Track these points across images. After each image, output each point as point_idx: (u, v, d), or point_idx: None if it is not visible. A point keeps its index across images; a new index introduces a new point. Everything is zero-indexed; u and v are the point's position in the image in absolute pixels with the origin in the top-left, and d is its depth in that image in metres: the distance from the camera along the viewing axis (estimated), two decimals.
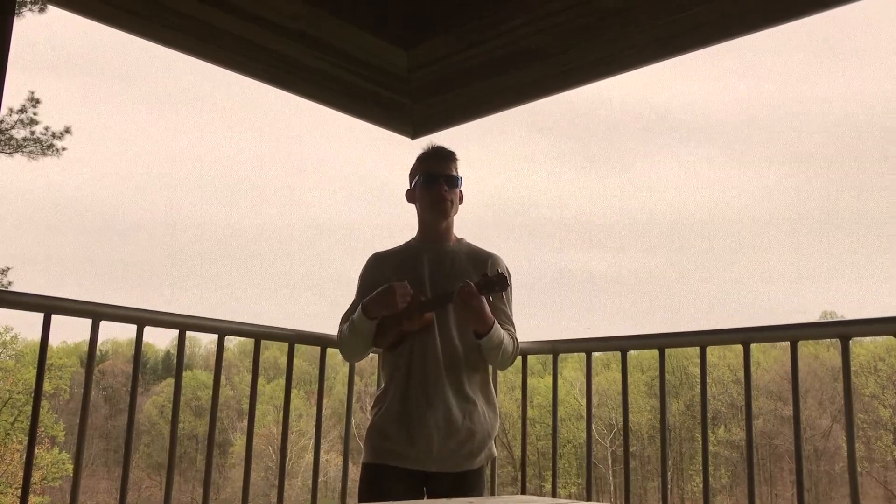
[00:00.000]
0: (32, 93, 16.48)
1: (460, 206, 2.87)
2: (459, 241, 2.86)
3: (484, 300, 2.55)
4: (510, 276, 2.73)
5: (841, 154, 59.10)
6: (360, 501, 2.65)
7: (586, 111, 69.36)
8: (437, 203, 2.77)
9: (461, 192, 2.85)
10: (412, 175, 2.87)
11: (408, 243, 2.88)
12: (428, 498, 2.63)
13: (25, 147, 16.54)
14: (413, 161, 2.89)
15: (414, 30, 3.11)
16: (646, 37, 2.75)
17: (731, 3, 2.53)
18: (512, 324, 2.77)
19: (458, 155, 2.85)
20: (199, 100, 74.63)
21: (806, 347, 34.18)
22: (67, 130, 16.88)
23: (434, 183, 2.77)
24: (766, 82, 61.47)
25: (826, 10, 2.43)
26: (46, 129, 16.59)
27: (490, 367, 2.80)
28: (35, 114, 16.48)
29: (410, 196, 2.87)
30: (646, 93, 65.30)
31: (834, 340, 2.57)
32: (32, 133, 16.52)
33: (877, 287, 52.45)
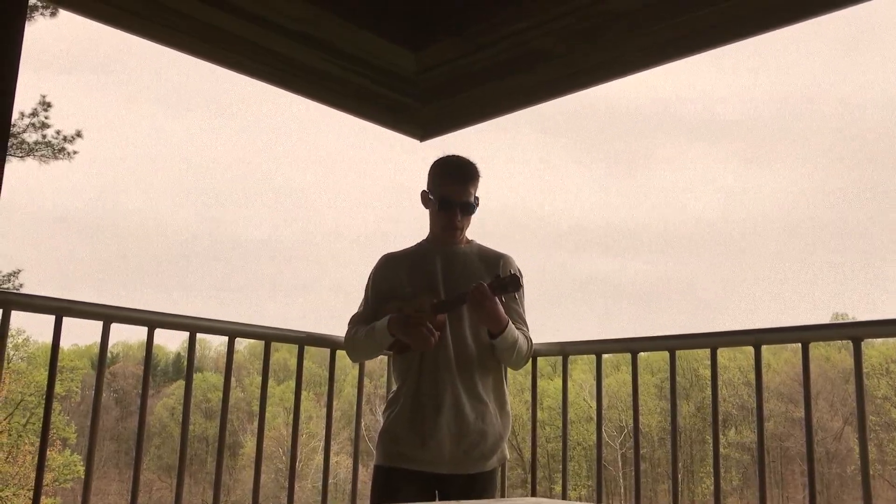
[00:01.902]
0: (44, 96, 16.59)
1: (479, 209, 2.86)
2: (470, 242, 2.86)
3: (497, 300, 2.56)
4: (522, 276, 2.74)
5: (855, 155, 58.79)
6: None
7: (601, 112, 69.19)
8: (449, 229, 2.77)
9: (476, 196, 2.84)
10: (430, 182, 2.83)
11: (419, 245, 2.88)
12: (440, 500, 2.63)
13: (37, 151, 16.65)
14: (420, 159, 2.88)
15: (422, 32, 3.11)
16: (652, 39, 2.74)
17: (737, 5, 2.52)
18: (525, 323, 2.78)
19: (471, 157, 2.84)
20: (212, 103, 74.90)
21: (817, 349, 33.99)
22: (79, 134, 16.98)
23: (449, 209, 2.75)
24: (781, 82, 61.19)
25: (833, 10, 2.42)
26: (58, 132, 16.70)
27: (503, 369, 2.80)
28: (46, 117, 16.59)
29: (425, 199, 2.84)
30: (662, 93, 65.15)
31: (845, 342, 2.56)
32: (44, 137, 16.62)
33: (889, 289, 52.13)
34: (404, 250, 2.89)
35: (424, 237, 2.90)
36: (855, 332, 2.50)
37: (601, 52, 2.90)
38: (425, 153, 2.88)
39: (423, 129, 3.53)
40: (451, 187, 2.75)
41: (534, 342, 2.82)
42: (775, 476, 36.54)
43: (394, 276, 2.79)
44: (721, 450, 2.83)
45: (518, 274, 2.60)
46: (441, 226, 2.78)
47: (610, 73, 2.99)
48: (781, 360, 36.63)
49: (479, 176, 2.80)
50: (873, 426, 33.01)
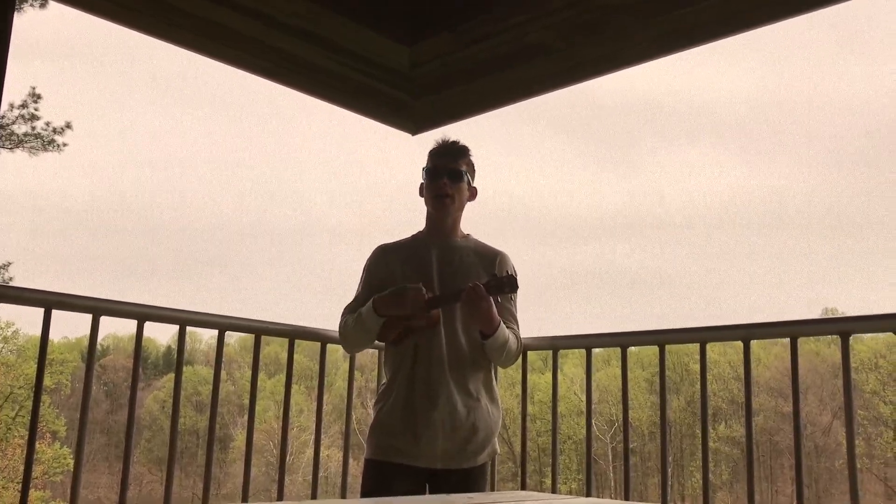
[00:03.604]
0: (34, 88, 16.50)
1: (472, 203, 2.86)
2: (466, 236, 2.86)
3: (492, 301, 2.55)
4: (517, 275, 2.73)
5: (844, 151, 58.99)
6: (362, 497, 2.65)
7: (596, 105, 69.15)
8: (437, 198, 2.77)
9: (475, 188, 2.85)
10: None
11: (415, 236, 2.88)
12: (430, 495, 2.63)
13: (26, 142, 16.56)
14: (412, 153, 2.90)
15: (416, 27, 3.10)
16: (649, 33, 2.74)
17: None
18: (516, 322, 2.78)
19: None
20: (203, 95, 74.62)
21: (806, 344, 34.14)
22: (68, 126, 16.89)
23: (436, 177, 2.76)
24: (775, 78, 61.27)
25: (833, 4, 2.42)
26: (47, 124, 16.61)
27: (494, 364, 2.80)
28: (36, 109, 16.50)
29: (420, 189, 2.87)
30: (657, 87, 65.18)
31: (835, 337, 2.57)
32: (33, 128, 16.53)
33: (877, 284, 52.43)
34: (399, 241, 2.89)
35: (420, 230, 2.89)
36: (843, 328, 2.51)
37: (596, 46, 2.89)
38: (417, 146, 2.88)
39: (415, 124, 3.53)
40: (438, 156, 2.81)
41: (524, 337, 2.82)
42: (764, 470, 36.77)
43: (388, 267, 2.78)
44: (711, 444, 2.84)
45: (514, 274, 2.59)
46: (431, 197, 2.78)
47: (605, 68, 2.98)
48: (771, 355, 36.81)
49: (468, 154, 2.82)
50: (861, 420, 33.22)
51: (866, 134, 58.48)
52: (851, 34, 60.92)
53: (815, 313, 43.86)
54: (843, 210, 57.35)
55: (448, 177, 2.75)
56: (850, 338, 2.49)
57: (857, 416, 2.62)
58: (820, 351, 37.51)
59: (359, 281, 2.87)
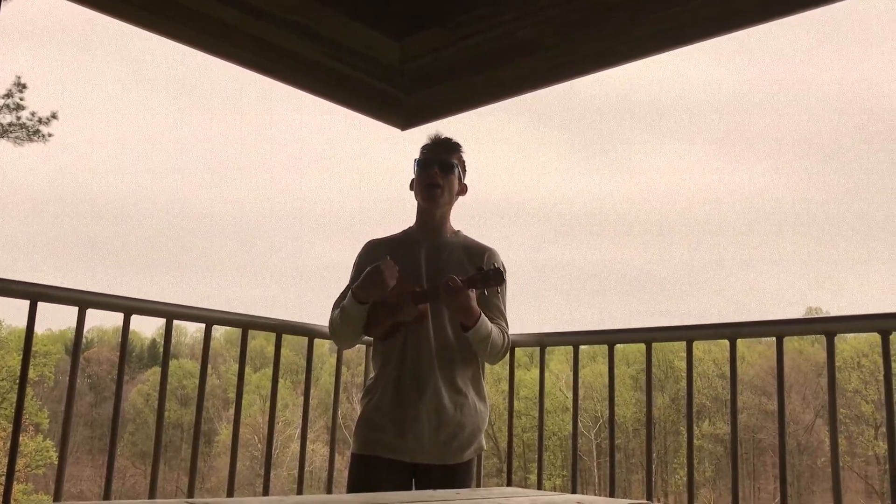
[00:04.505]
0: (19, 77, 16.37)
1: (461, 198, 2.86)
2: (456, 232, 2.85)
3: (470, 294, 2.54)
4: (506, 271, 2.73)
5: (830, 150, 59.38)
6: (348, 492, 2.64)
7: (581, 100, 69.33)
8: (427, 187, 2.77)
9: (465, 185, 2.85)
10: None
11: (405, 231, 2.87)
12: (416, 490, 2.63)
13: (11, 132, 16.41)
14: (402, 147, 2.90)
15: (406, 21, 3.10)
16: (641, 30, 2.74)
17: None
18: (504, 318, 2.76)
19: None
20: (190, 85, 74.13)
21: (791, 343, 34.24)
22: (54, 116, 16.76)
23: (427, 167, 2.77)
24: (765, 74, 61.48)
25: (829, 4, 2.42)
26: (33, 114, 16.48)
27: (481, 361, 2.80)
28: (21, 99, 16.36)
29: (412, 185, 2.86)
30: (644, 83, 65.34)
31: (818, 336, 2.59)
32: (18, 118, 16.39)
33: (861, 284, 52.86)
34: (390, 237, 2.88)
35: (410, 225, 2.89)
36: (828, 327, 2.53)
37: (588, 42, 2.89)
38: (407, 141, 2.88)
39: (405, 119, 3.52)
40: (430, 149, 2.82)
41: (511, 333, 2.81)
42: (748, 467, 37.03)
43: (377, 261, 2.78)
44: (695, 441, 2.86)
45: (502, 268, 2.59)
46: (422, 188, 2.78)
47: (597, 64, 2.97)
48: (755, 353, 37.03)
49: (460, 151, 2.83)
50: (844, 419, 33.53)
51: (852, 132, 58.86)
52: (835, 31, 61.26)
53: (798, 313, 44.16)
54: (830, 210, 57.76)
55: (439, 167, 2.75)
56: (835, 338, 2.51)
57: (839, 415, 2.65)
58: (803, 349, 37.78)
59: (349, 277, 2.87)
